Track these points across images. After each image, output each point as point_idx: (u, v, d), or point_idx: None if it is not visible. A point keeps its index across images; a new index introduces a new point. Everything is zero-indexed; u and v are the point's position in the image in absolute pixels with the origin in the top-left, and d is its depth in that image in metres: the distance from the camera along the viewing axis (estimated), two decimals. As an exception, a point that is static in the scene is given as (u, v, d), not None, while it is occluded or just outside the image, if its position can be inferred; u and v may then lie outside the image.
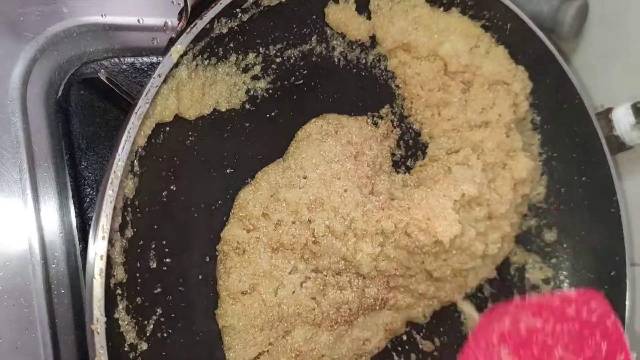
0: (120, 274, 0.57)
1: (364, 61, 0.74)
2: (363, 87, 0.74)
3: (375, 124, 0.74)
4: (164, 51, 0.55)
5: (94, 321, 0.48)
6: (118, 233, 0.56)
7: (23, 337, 0.61)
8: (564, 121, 0.83)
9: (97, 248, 0.49)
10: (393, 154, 0.76)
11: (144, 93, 0.52)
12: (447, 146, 0.76)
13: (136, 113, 0.51)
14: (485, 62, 0.76)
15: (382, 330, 0.72)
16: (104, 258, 0.49)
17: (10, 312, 0.61)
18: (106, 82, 0.62)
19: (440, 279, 0.73)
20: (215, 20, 0.59)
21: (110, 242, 0.55)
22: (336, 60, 0.72)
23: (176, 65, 0.57)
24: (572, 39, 0.91)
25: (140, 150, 0.57)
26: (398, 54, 0.74)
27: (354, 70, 0.74)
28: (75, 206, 0.65)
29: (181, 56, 0.56)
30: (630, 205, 0.86)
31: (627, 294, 0.81)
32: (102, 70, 0.63)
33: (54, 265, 0.64)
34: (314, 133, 0.69)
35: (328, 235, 0.65)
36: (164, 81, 0.56)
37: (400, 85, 0.76)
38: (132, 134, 0.51)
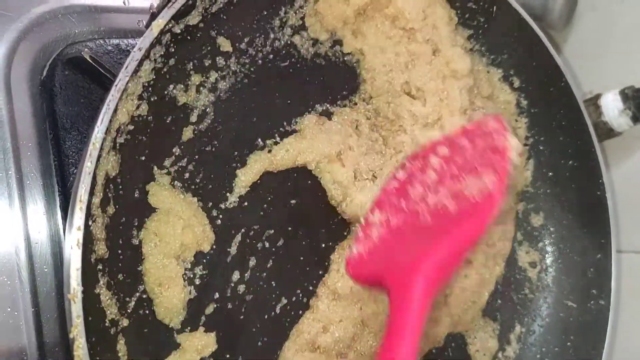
0: (101, 249, 0.57)
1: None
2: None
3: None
4: (145, 25, 0.55)
5: (71, 290, 0.48)
6: (99, 209, 0.56)
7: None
8: (550, 104, 0.83)
9: (75, 219, 0.49)
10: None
11: (125, 66, 0.52)
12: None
13: (116, 85, 0.51)
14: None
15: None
16: (81, 229, 0.49)
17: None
18: (90, 61, 0.62)
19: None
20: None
21: (92, 217, 0.55)
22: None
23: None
24: (561, 27, 0.92)
25: (122, 127, 0.58)
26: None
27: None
28: (58, 185, 0.65)
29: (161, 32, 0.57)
30: (618, 194, 0.86)
31: (613, 280, 0.81)
32: (86, 49, 0.63)
33: (37, 244, 0.64)
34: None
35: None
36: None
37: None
38: (112, 107, 0.51)
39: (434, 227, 0.58)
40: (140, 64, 0.56)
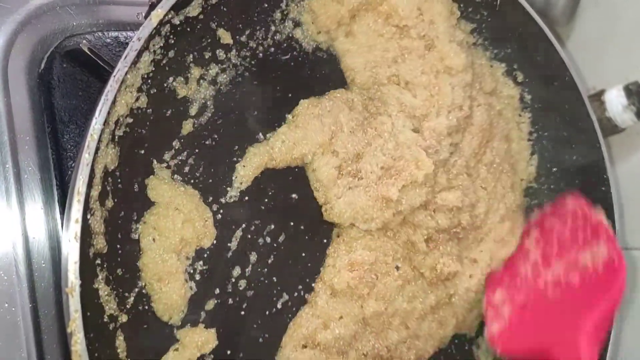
0: (100, 243, 0.56)
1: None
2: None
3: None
4: (144, 16, 0.54)
5: (69, 284, 0.47)
6: (98, 202, 0.55)
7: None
8: (554, 99, 0.82)
9: (73, 211, 0.48)
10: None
11: (123, 56, 0.51)
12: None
13: (114, 76, 0.50)
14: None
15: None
16: (79, 221, 0.49)
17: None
18: (88, 52, 0.62)
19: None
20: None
21: (90, 211, 0.54)
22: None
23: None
24: (564, 22, 0.91)
25: (121, 119, 0.57)
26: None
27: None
28: (56, 179, 0.64)
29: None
30: (622, 191, 0.85)
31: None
32: (84, 41, 0.62)
33: (34, 238, 0.63)
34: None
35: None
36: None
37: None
38: (110, 98, 0.50)
39: (571, 298, 0.66)
40: (139, 55, 0.55)
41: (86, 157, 0.49)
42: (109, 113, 0.53)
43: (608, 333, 0.75)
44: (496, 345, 0.68)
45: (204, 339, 0.63)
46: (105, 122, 0.51)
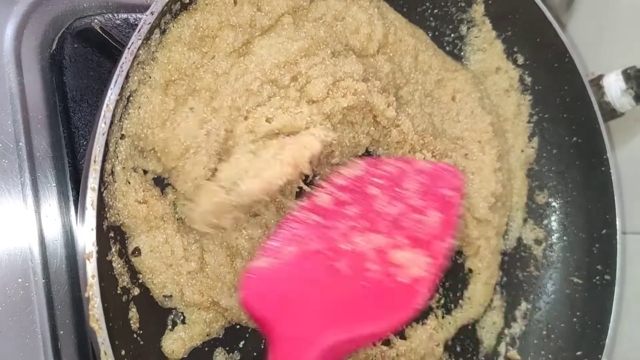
0: (113, 216, 0.57)
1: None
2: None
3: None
4: (156, -8, 0.55)
5: (86, 250, 0.48)
6: (111, 176, 0.57)
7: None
8: (554, 81, 0.83)
9: (90, 180, 0.49)
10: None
11: (137, 29, 0.52)
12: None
13: (129, 48, 0.52)
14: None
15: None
16: (96, 190, 0.50)
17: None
18: (100, 32, 0.63)
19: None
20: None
21: (104, 184, 0.55)
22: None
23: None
24: (563, 10, 0.93)
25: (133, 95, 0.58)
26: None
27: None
28: (68, 156, 0.65)
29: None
30: (623, 176, 0.86)
31: (618, 256, 0.81)
32: (96, 20, 0.63)
33: (47, 216, 0.64)
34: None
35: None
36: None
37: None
38: (125, 69, 0.51)
39: (344, 286, 0.53)
40: (151, 30, 0.56)
41: (102, 126, 0.50)
42: (122, 88, 0.54)
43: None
44: (242, 289, 0.53)
45: (212, 315, 0.64)
46: (120, 95, 0.52)
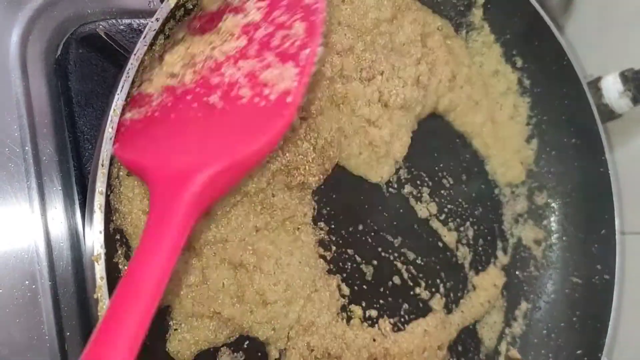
0: (119, 219, 0.58)
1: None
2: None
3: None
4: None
5: (95, 252, 0.49)
6: (117, 180, 0.57)
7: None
8: (553, 84, 0.84)
9: (98, 183, 0.50)
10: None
11: (143, 36, 0.53)
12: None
13: (135, 54, 0.52)
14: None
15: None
16: (103, 193, 0.50)
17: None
18: (104, 37, 0.64)
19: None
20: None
21: (110, 188, 0.56)
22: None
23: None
24: (561, 12, 0.93)
25: (138, 99, 0.59)
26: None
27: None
28: (74, 160, 0.66)
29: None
30: (621, 177, 0.87)
31: (617, 255, 0.82)
32: (101, 26, 0.64)
33: (53, 219, 0.65)
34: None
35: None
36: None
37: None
38: (131, 75, 0.52)
39: (219, 119, 0.51)
40: (155, 36, 0.57)
41: (109, 131, 0.51)
42: (128, 93, 0.55)
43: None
44: (115, 142, 0.51)
45: (215, 324, 0.64)
46: (126, 99, 0.53)
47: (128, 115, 0.54)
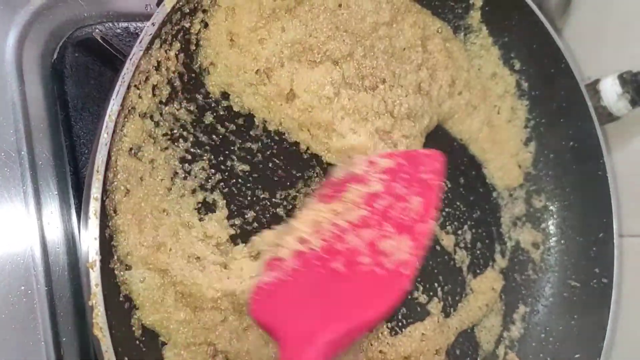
0: (114, 225, 0.58)
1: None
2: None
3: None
4: (157, 4, 0.56)
5: (89, 259, 0.49)
6: (113, 185, 0.57)
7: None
8: (551, 86, 0.84)
9: (93, 189, 0.50)
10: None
11: (139, 40, 0.53)
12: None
13: (130, 59, 0.52)
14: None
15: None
16: (99, 199, 0.50)
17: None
18: (101, 41, 0.63)
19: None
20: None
21: (106, 193, 0.56)
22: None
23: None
24: (559, 14, 0.93)
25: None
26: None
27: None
28: (70, 165, 0.66)
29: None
30: (619, 179, 0.87)
31: (615, 259, 0.82)
32: (97, 30, 0.64)
33: (49, 224, 0.65)
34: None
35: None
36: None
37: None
38: (127, 79, 0.52)
39: (341, 285, 0.55)
40: (152, 41, 0.57)
41: (105, 136, 0.50)
42: (124, 99, 0.55)
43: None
44: (251, 304, 0.56)
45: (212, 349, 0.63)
46: (122, 105, 0.53)
47: (263, 278, 0.57)
